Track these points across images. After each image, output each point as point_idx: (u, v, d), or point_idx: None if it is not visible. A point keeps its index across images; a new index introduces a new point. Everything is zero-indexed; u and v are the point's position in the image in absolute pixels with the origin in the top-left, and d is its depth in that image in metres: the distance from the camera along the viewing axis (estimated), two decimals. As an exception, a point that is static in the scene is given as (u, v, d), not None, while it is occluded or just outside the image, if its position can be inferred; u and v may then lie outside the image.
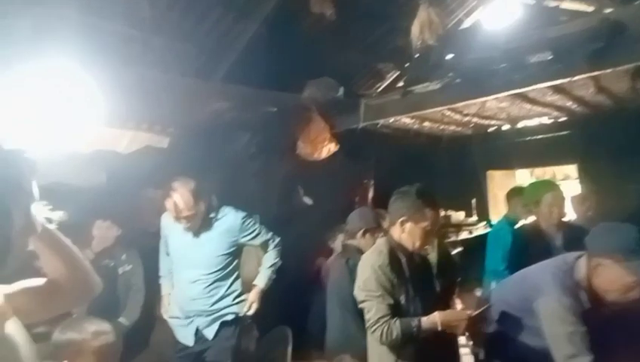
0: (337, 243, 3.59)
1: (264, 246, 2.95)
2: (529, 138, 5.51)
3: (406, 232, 2.15)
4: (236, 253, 2.89)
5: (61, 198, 3.27)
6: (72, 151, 3.05)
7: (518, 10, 4.55)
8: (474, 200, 5.94)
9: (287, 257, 3.03)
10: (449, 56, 3.93)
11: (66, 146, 2.92)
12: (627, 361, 1.82)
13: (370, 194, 5.05)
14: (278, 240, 2.97)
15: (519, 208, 3.71)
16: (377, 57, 4.58)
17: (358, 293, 2.16)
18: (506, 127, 5.42)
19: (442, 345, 2.13)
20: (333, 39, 4.09)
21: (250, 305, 2.85)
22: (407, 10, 4.02)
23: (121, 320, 3.25)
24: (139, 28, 3.18)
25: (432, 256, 2.28)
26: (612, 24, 2.97)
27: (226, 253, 2.81)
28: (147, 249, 3.25)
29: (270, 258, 2.94)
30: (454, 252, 4.72)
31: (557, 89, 3.79)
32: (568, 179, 6.12)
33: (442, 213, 4.87)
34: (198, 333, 2.78)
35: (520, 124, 5.32)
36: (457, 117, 4.64)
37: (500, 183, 6.10)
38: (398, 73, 5.06)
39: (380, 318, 2.04)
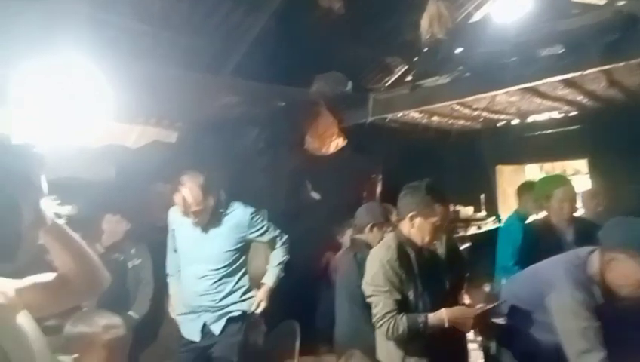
0: (346, 237, 3.59)
1: (272, 243, 2.94)
2: (539, 133, 5.46)
3: (415, 227, 2.14)
4: (244, 248, 2.89)
5: (71, 193, 3.30)
6: (81, 146, 3.07)
7: (529, 3, 4.48)
8: (483, 196, 5.90)
9: (294, 252, 3.03)
10: (458, 50, 3.89)
11: (75, 141, 2.94)
12: None
13: (379, 189, 5.04)
14: (285, 237, 2.97)
15: (530, 203, 3.68)
16: (386, 51, 4.56)
17: (366, 288, 2.16)
18: (515, 121, 5.38)
19: (450, 341, 2.13)
20: (341, 33, 4.06)
21: (258, 303, 2.85)
22: (417, 3, 3.99)
23: (131, 313, 3.27)
24: (148, 22, 3.19)
25: (441, 252, 2.27)
26: (625, 17, 2.92)
27: (233, 248, 2.81)
28: (156, 243, 3.27)
29: (278, 255, 2.94)
30: (463, 247, 4.70)
31: (568, 83, 3.75)
32: (578, 174, 6.07)
33: (451, 208, 4.85)
34: (204, 329, 2.78)
35: (530, 119, 5.27)
36: (466, 111, 4.60)
37: (509, 178, 6.06)
38: (406, 67, 5.03)
39: (386, 313, 2.04)
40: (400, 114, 4.45)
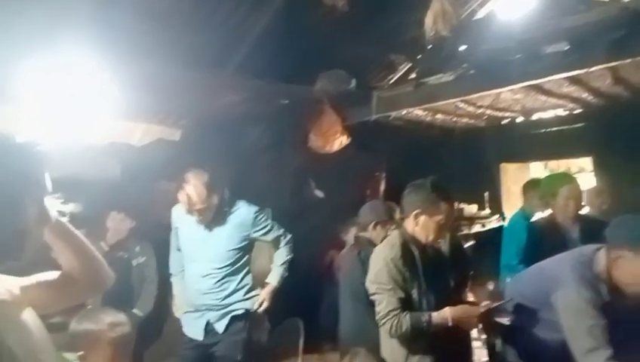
0: (350, 235, 3.59)
1: (276, 242, 2.93)
2: (543, 130, 5.44)
3: (420, 225, 2.13)
4: (247, 247, 2.88)
5: (75, 190, 3.31)
6: (86, 144, 3.08)
7: (533, 0, 4.46)
8: (487, 194, 5.89)
9: (298, 250, 3.03)
10: (462, 48, 3.88)
11: (80, 139, 2.94)
12: None
13: (382, 187, 5.03)
14: (289, 236, 2.96)
15: (535, 201, 3.67)
16: (389, 49, 4.53)
17: (370, 286, 2.16)
18: (520, 119, 5.36)
19: (454, 339, 2.12)
20: (344, 31, 4.05)
21: (260, 302, 2.84)
22: (420, 0, 3.97)
23: (135, 311, 3.29)
24: (151, 21, 3.19)
25: (444, 249, 2.27)
26: (631, 13, 2.90)
27: (237, 247, 2.80)
28: (160, 241, 3.28)
29: (282, 255, 2.93)
30: (467, 245, 4.69)
31: (573, 80, 3.73)
32: (583, 172, 6.04)
33: (455, 206, 4.84)
34: (208, 327, 2.78)
35: (534, 116, 5.25)
36: (471, 109, 4.59)
37: (513, 176, 6.04)
38: (410, 65, 5.02)
39: (390, 311, 2.04)
40: (404, 111, 4.44)
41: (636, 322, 1.81)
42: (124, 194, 3.53)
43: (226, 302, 2.78)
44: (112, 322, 1.80)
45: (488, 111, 4.80)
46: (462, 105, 4.37)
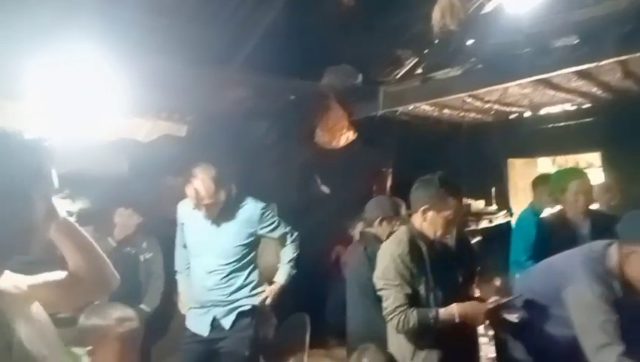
0: (357, 231, 3.59)
1: (282, 239, 2.92)
2: (551, 125, 5.39)
3: (428, 221, 2.12)
4: (254, 244, 2.87)
5: (83, 186, 3.33)
6: (93, 140, 3.09)
7: (542, -7, 4.42)
8: (494, 189, 5.85)
9: (305, 246, 3.02)
10: (470, 42, 3.85)
11: (87, 135, 2.95)
12: None
13: (389, 183, 5.02)
14: (296, 234, 2.95)
15: (545, 196, 3.64)
16: (396, 43, 4.51)
17: (377, 281, 2.16)
18: (527, 114, 5.32)
19: (461, 335, 2.12)
20: (351, 26, 4.03)
21: (264, 298, 2.83)
22: (427, -6, 3.94)
23: (143, 306, 3.31)
24: (158, 17, 3.19)
25: (452, 245, 2.26)
26: (641, 6, 2.87)
27: (243, 243, 2.80)
28: (167, 237, 3.29)
29: (288, 253, 2.92)
30: (474, 241, 4.67)
31: (582, 74, 3.70)
32: (591, 167, 5.99)
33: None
34: (214, 323, 2.77)
35: (542, 111, 5.20)
36: (478, 104, 4.56)
37: (520, 172, 6.00)
38: (417, 60, 4.99)
39: (397, 307, 2.04)
40: (411, 107, 4.42)
41: None
42: (132, 190, 3.55)
43: (233, 297, 2.77)
44: (120, 317, 1.80)
45: (496, 106, 4.77)
46: (469, 100, 4.34)
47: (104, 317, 1.79)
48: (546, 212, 3.56)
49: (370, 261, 2.50)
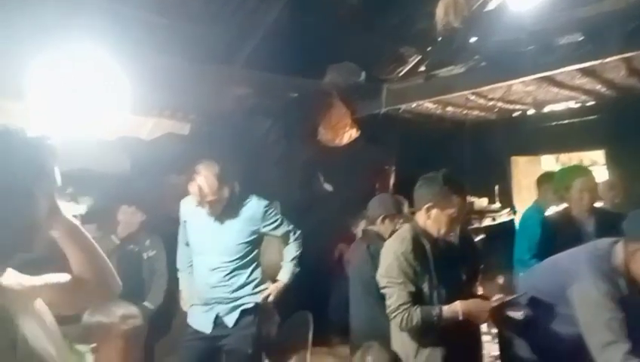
0: (359, 229, 3.58)
1: (285, 237, 2.91)
2: (555, 123, 5.38)
3: (431, 219, 2.12)
4: (257, 241, 2.86)
5: (86, 184, 3.34)
6: (96, 138, 3.09)
7: (546, -10, 4.39)
8: (497, 187, 5.84)
9: (307, 244, 3.02)
10: (473, 39, 3.84)
11: (89, 133, 2.95)
12: None
13: (392, 180, 5.01)
14: (299, 232, 2.94)
15: (550, 195, 3.62)
16: (399, 41, 4.51)
17: (380, 279, 2.16)
18: (531, 111, 5.31)
19: (465, 333, 2.11)
20: (354, 23, 4.03)
21: (266, 295, 2.83)
22: (430, -8, 3.93)
23: (146, 303, 3.31)
24: (160, 15, 3.19)
25: (455, 243, 2.25)
26: (647, 3, 2.85)
27: (246, 241, 2.79)
28: (170, 235, 3.29)
29: (292, 251, 2.92)
30: (477, 239, 4.66)
31: (586, 72, 3.68)
32: (595, 165, 5.97)
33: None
34: (217, 320, 2.77)
35: (546, 109, 5.19)
36: (481, 101, 4.55)
37: (524, 169, 5.99)
38: (420, 57, 4.98)
39: (400, 305, 2.03)
40: (414, 104, 4.41)
41: None
42: (134, 188, 3.55)
43: (236, 295, 2.77)
44: (124, 314, 1.81)
45: (499, 104, 4.76)
46: (473, 97, 4.34)
47: (108, 314, 1.80)
48: (551, 210, 3.54)
49: (374, 259, 2.49)
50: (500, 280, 4.06)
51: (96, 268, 1.16)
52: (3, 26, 2.45)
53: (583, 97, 4.70)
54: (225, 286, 2.76)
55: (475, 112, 5.11)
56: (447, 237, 2.19)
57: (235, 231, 2.78)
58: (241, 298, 2.77)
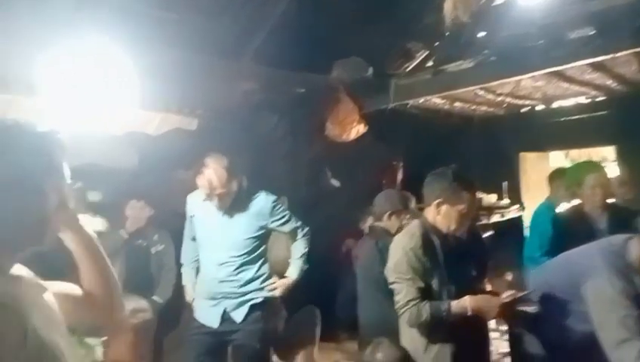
0: (367, 225, 3.58)
1: (293, 233, 2.90)
2: (564, 118, 5.32)
3: (441, 214, 2.11)
4: (264, 237, 2.86)
5: (94, 179, 3.35)
6: (104, 133, 3.10)
7: (556, -16, 4.34)
8: (505, 183, 5.80)
9: (315, 239, 3.01)
10: (482, 34, 3.80)
11: (98, 128, 2.96)
12: None
13: (399, 176, 4.99)
14: (307, 229, 2.93)
15: (562, 191, 3.59)
16: (407, 36, 4.48)
17: (389, 275, 2.15)
18: (540, 107, 5.25)
19: (473, 329, 2.11)
20: (361, 18, 4.00)
21: (272, 289, 2.82)
22: (439, -14, 3.90)
23: (155, 298, 3.32)
24: (168, 9, 3.18)
25: (464, 239, 2.24)
26: (660, -4, 2.81)
27: (254, 236, 2.79)
28: (178, 230, 3.30)
29: (300, 247, 2.91)
30: (485, 235, 4.64)
31: (596, 66, 3.64)
32: (606, 161, 5.91)
33: (474, 195, 4.78)
34: (225, 315, 2.76)
35: (555, 104, 5.14)
36: (490, 97, 4.51)
37: (533, 166, 5.94)
38: (428, 52, 4.95)
39: (409, 301, 2.03)
40: (422, 100, 4.38)
41: None
42: (143, 183, 3.56)
43: (243, 290, 2.77)
44: (134, 308, 1.82)
45: (508, 99, 4.72)
46: (481, 92, 4.30)
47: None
48: (563, 206, 3.51)
49: (382, 254, 2.49)
50: (509, 276, 4.04)
51: (106, 287, 1.16)
52: (13, 20, 2.46)
53: (594, 92, 4.65)
54: (233, 281, 2.75)
55: (484, 108, 5.07)
56: (457, 233, 2.18)
57: (243, 226, 2.77)
58: (249, 293, 2.77)
